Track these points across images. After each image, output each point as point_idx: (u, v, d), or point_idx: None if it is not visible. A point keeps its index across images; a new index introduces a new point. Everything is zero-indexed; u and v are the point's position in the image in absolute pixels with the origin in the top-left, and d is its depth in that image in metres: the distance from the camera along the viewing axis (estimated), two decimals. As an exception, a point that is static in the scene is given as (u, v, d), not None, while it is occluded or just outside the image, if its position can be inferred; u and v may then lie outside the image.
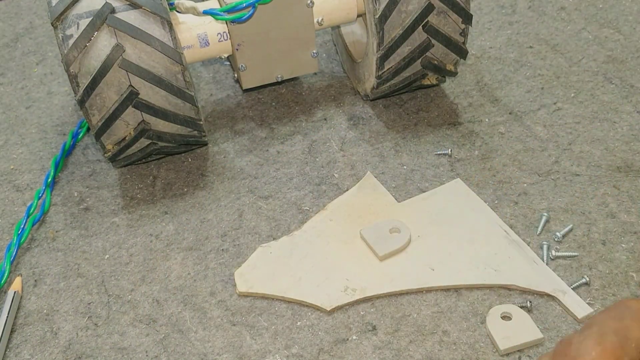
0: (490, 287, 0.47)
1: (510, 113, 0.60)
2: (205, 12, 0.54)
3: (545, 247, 0.49)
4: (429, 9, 0.54)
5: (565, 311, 0.45)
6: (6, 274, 0.51)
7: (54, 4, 0.51)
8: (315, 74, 0.67)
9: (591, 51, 0.66)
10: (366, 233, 0.50)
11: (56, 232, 0.54)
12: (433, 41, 0.56)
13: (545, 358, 0.34)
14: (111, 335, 0.47)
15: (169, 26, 0.51)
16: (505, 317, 0.45)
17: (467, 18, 0.56)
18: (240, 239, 0.52)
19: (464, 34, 0.57)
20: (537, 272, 0.47)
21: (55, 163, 0.59)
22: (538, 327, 0.44)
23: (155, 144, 0.55)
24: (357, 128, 0.61)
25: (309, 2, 0.56)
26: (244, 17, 0.55)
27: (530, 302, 0.45)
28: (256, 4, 0.54)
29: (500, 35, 0.69)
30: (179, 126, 0.54)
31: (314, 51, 0.60)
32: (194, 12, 0.55)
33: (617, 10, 0.70)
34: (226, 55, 0.58)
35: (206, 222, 0.54)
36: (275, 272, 0.49)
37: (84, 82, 0.50)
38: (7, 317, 0.47)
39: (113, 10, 0.50)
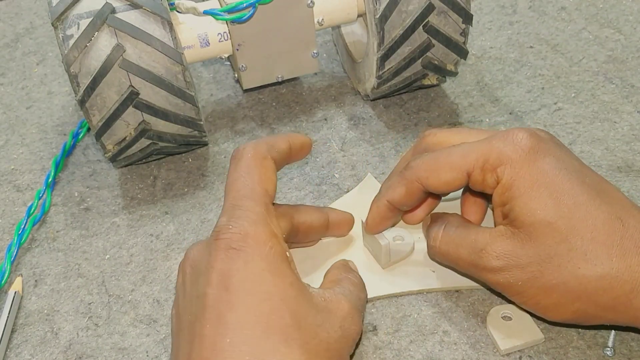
0: (490, 288, 0.47)
1: (510, 113, 0.60)
2: (206, 12, 0.54)
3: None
4: (429, 9, 0.54)
5: (566, 311, 0.45)
6: (7, 274, 0.51)
7: (54, 4, 0.51)
8: (316, 74, 0.67)
9: (592, 51, 0.66)
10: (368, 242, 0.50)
11: (56, 232, 0.54)
12: (433, 41, 0.56)
13: None
14: (112, 335, 0.47)
15: (170, 26, 0.51)
16: (506, 317, 0.45)
17: (467, 18, 0.56)
18: (241, 239, 0.52)
19: (464, 34, 0.57)
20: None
21: (55, 163, 0.59)
22: (538, 327, 0.44)
23: (155, 144, 0.55)
24: (357, 128, 0.61)
25: (309, 2, 0.56)
26: (245, 17, 0.55)
27: (531, 302, 0.45)
28: (256, 4, 0.54)
29: (501, 35, 0.69)
30: (179, 126, 0.54)
31: (315, 51, 0.60)
32: (195, 12, 0.55)
33: (618, 10, 0.70)
34: (226, 56, 0.58)
35: (207, 222, 0.54)
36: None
37: (85, 82, 0.50)
38: (8, 317, 0.48)
39: (113, 11, 0.50)
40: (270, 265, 0.37)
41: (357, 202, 0.53)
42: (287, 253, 0.39)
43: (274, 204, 0.42)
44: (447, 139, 0.46)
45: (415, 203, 0.47)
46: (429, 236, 0.46)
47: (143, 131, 0.53)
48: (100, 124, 0.52)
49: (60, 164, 0.59)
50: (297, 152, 0.45)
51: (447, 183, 0.43)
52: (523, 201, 0.40)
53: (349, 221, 0.49)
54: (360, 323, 0.40)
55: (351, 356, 0.44)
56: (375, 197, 0.47)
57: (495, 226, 0.43)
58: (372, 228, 0.47)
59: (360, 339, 0.44)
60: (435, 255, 0.45)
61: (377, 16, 0.54)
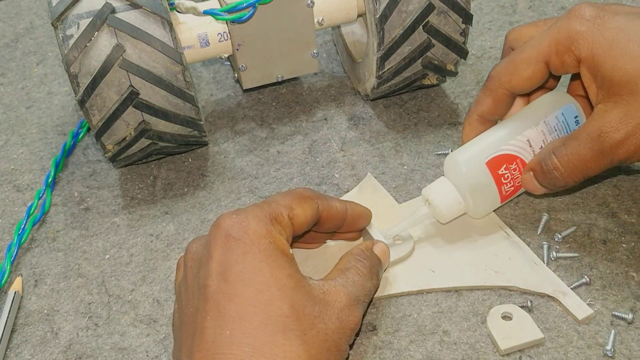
0: (490, 288, 0.47)
1: (510, 113, 0.60)
2: (206, 12, 0.54)
3: (545, 247, 0.49)
4: (429, 9, 0.54)
5: (566, 312, 0.45)
6: (6, 274, 0.51)
7: (54, 4, 0.51)
8: (316, 74, 0.67)
9: (591, 51, 0.66)
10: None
11: (56, 232, 0.54)
12: (433, 41, 0.56)
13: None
14: (112, 335, 0.47)
15: (170, 26, 0.51)
16: (506, 317, 0.45)
17: (467, 18, 0.56)
18: (241, 239, 0.52)
19: (464, 34, 0.57)
20: (537, 274, 0.47)
21: (55, 163, 0.59)
22: (538, 327, 0.44)
23: (155, 144, 0.55)
24: (357, 128, 0.61)
25: (309, 2, 0.56)
26: (245, 17, 0.55)
27: (531, 301, 0.45)
28: (256, 4, 0.54)
29: (501, 35, 0.69)
30: (179, 126, 0.54)
31: (315, 51, 0.60)
32: (195, 12, 0.55)
33: (618, 10, 0.70)
34: (226, 55, 0.58)
35: (207, 222, 0.54)
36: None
37: (85, 82, 0.50)
38: (8, 317, 0.48)
39: (113, 10, 0.50)
40: (268, 257, 0.38)
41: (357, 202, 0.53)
42: (290, 251, 0.40)
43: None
44: (524, 32, 0.48)
45: (505, 110, 0.49)
46: (545, 176, 0.46)
47: (143, 131, 0.53)
48: (100, 124, 0.52)
49: (60, 164, 0.59)
50: (350, 219, 0.46)
51: (529, 79, 0.46)
52: (610, 64, 0.41)
53: (367, 216, 0.48)
54: (358, 315, 0.40)
55: (350, 354, 0.44)
56: (465, 116, 0.51)
57: (594, 109, 0.44)
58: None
59: (359, 332, 0.44)
60: (566, 178, 0.46)
61: (377, 16, 0.54)
